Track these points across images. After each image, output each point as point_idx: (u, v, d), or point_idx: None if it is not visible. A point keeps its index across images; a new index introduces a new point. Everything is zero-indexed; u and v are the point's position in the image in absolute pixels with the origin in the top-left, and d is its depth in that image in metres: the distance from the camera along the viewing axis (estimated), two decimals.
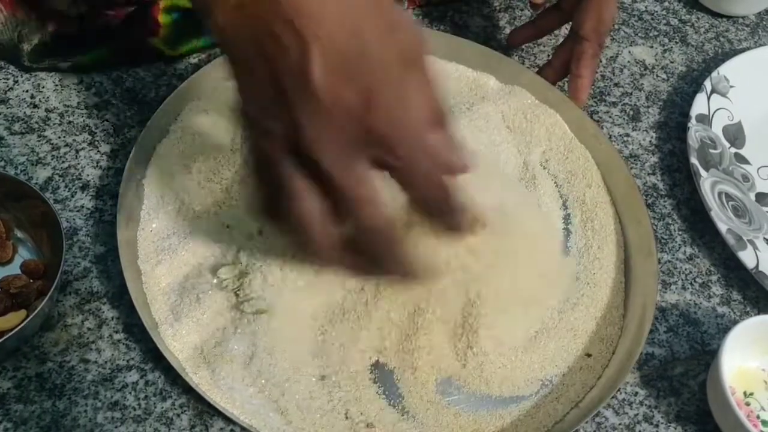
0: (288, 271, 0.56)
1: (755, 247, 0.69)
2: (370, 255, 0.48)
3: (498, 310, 0.59)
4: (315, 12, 0.40)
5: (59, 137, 0.66)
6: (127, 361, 0.56)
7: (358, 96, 0.41)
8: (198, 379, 0.54)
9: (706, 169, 0.73)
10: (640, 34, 0.87)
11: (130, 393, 0.55)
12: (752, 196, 0.74)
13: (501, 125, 0.72)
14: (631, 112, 0.80)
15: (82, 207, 0.62)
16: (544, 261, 0.63)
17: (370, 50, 0.41)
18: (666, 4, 0.91)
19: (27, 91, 0.68)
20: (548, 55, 0.81)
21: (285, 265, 0.56)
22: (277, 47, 0.41)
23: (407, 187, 0.46)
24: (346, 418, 0.55)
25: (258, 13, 0.41)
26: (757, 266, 0.67)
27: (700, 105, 0.77)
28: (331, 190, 0.44)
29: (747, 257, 0.67)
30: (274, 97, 0.42)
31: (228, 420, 0.54)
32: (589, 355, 0.61)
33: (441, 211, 0.48)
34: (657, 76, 0.83)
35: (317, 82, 0.40)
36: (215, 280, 0.57)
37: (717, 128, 0.77)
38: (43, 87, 0.68)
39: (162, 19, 0.69)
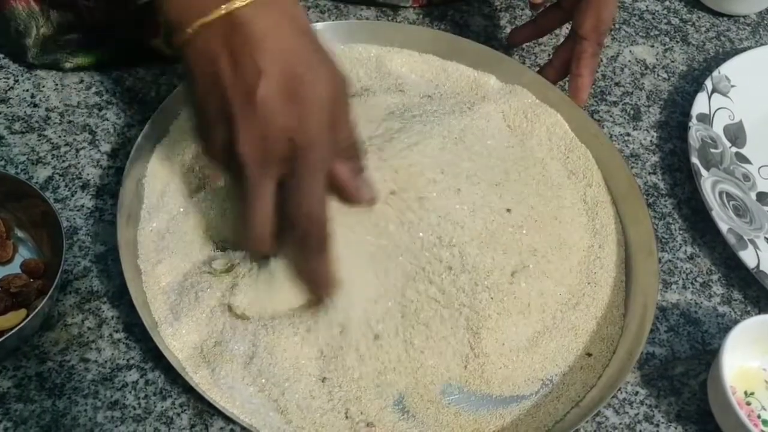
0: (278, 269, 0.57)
1: (756, 247, 0.68)
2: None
3: (500, 312, 0.59)
4: (272, 50, 0.50)
5: (59, 136, 0.66)
6: (127, 360, 0.56)
7: (290, 118, 0.50)
8: (198, 378, 0.54)
9: (707, 169, 0.73)
10: (641, 34, 0.87)
11: (130, 392, 0.54)
12: (753, 195, 0.74)
13: (502, 124, 0.72)
14: (632, 112, 0.79)
15: (83, 206, 0.62)
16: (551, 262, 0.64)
17: (306, 88, 0.50)
18: (667, 3, 0.91)
19: (27, 90, 0.68)
20: (549, 55, 0.80)
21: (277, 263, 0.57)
22: (235, 69, 0.50)
23: (292, 211, 0.52)
24: (346, 417, 0.55)
25: (226, 40, 0.50)
26: (758, 266, 0.67)
27: (701, 104, 0.77)
28: (242, 192, 0.52)
29: (748, 257, 0.67)
30: (221, 107, 0.51)
31: (228, 419, 0.54)
32: (589, 355, 0.61)
33: (307, 243, 0.54)
34: (658, 75, 0.83)
35: (260, 100, 0.49)
36: (208, 270, 0.58)
37: (718, 127, 0.77)
38: (43, 86, 0.68)
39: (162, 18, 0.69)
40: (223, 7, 0.50)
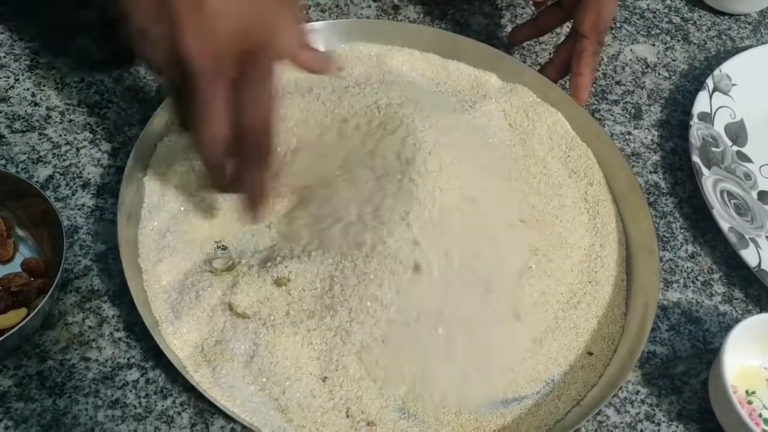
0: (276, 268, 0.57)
1: (757, 246, 0.68)
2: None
3: (505, 314, 0.59)
4: None
5: (60, 135, 0.66)
6: (128, 359, 0.56)
7: (246, 13, 0.47)
8: (199, 377, 0.54)
9: (708, 168, 0.72)
10: (641, 32, 0.87)
11: (130, 391, 0.54)
12: (754, 194, 0.74)
13: (503, 123, 0.72)
14: (633, 111, 0.79)
15: (83, 205, 0.62)
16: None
17: None
18: (668, 2, 0.91)
19: (28, 89, 0.68)
20: (550, 53, 0.80)
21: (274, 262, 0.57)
22: None
23: (238, 113, 0.50)
24: (347, 416, 0.55)
25: None
26: (759, 264, 0.67)
27: (702, 103, 0.77)
28: (192, 97, 0.49)
29: (749, 255, 0.67)
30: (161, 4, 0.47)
31: (229, 418, 0.54)
32: (590, 354, 0.61)
33: (248, 153, 0.52)
34: (659, 74, 0.83)
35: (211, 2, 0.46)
36: (208, 269, 0.58)
37: (719, 126, 0.77)
38: (44, 85, 0.68)
39: None
40: None
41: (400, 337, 0.56)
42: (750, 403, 0.60)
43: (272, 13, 0.49)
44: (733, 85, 0.80)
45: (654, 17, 0.89)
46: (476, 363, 0.57)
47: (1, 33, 0.71)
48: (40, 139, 0.65)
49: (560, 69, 0.75)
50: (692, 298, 0.67)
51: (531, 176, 0.68)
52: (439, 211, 0.58)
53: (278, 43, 0.50)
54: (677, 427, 0.60)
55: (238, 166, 0.54)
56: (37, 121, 0.66)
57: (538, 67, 0.77)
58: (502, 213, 0.62)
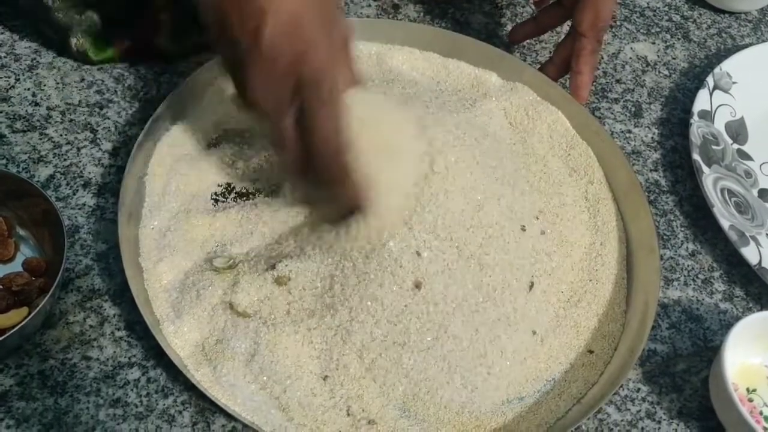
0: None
1: (758, 243, 0.68)
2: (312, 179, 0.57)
3: (509, 316, 0.59)
4: None
5: (61, 135, 0.66)
6: (129, 358, 0.56)
7: (294, 52, 0.51)
8: (200, 376, 0.54)
9: (709, 166, 0.72)
10: (642, 31, 0.87)
11: (131, 390, 0.55)
12: (755, 192, 0.74)
13: (504, 122, 0.72)
14: (633, 109, 0.79)
15: (84, 205, 0.62)
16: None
17: (309, 28, 0.52)
18: (668, 0, 0.90)
19: (28, 89, 0.68)
20: (550, 52, 0.80)
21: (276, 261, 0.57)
22: (240, 13, 0.51)
23: (310, 142, 0.53)
24: (348, 414, 0.55)
25: None
26: (759, 262, 0.67)
27: (702, 101, 0.77)
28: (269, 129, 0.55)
29: (749, 253, 0.67)
30: (233, 53, 0.53)
31: (230, 417, 0.54)
32: (591, 352, 0.61)
33: (331, 175, 0.54)
34: (659, 72, 0.83)
35: (265, 40, 0.51)
36: (209, 268, 0.58)
37: (719, 124, 0.77)
38: (44, 85, 0.68)
39: (162, 16, 0.69)
40: None
41: (401, 338, 0.56)
42: (751, 400, 0.60)
43: (321, 39, 0.53)
44: (734, 83, 0.80)
45: (654, 15, 0.89)
46: (478, 367, 0.57)
47: (2, 33, 0.71)
48: (40, 139, 0.65)
49: (560, 68, 0.75)
50: (693, 296, 0.67)
51: (531, 175, 0.68)
52: (444, 214, 0.58)
53: (331, 71, 0.53)
54: (678, 425, 0.60)
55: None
56: (38, 120, 0.66)
57: (539, 66, 0.77)
58: (509, 217, 0.62)
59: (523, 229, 0.62)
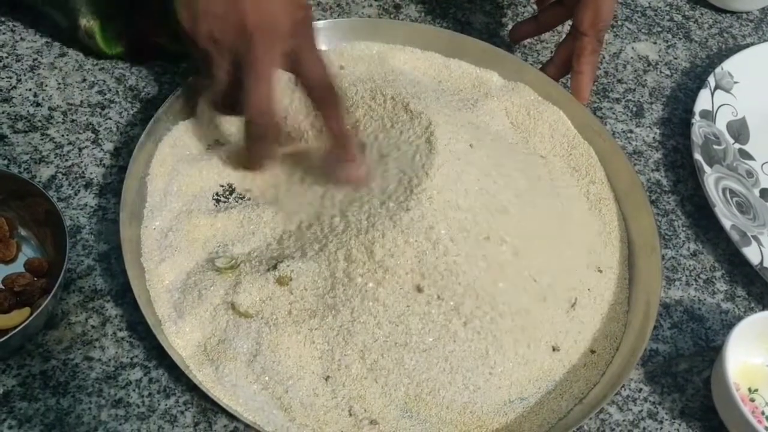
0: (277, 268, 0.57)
1: (760, 243, 0.68)
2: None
3: (513, 319, 0.59)
4: None
5: (62, 135, 0.66)
6: (131, 358, 0.56)
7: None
8: (202, 376, 0.54)
9: (710, 165, 0.72)
10: (643, 30, 0.87)
11: (133, 390, 0.55)
12: (756, 192, 0.74)
13: (505, 121, 0.72)
14: (635, 109, 0.79)
15: (86, 205, 0.62)
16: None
17: None
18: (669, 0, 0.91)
19: (30, 89, 0.68)
20: (551, 52, 0.80)
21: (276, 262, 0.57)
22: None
23: (307, 75, 0.58)
24: (350, 414, 0.55)
25: None
26: (761, 262, 0.67)
27: (703, 101, 0.77)
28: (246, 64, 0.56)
29: (751, 253, 0.67)
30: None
31: (232, 417, 0.54)
32: (593, 352, 0.61)
33: (252, 131, 0.58)
34: (660, 72, 0.83)
35: None
36: (211, 268, 0.58)
37: (721, 124, 0.77)
38: (46, 85, 0.68)
39: (165, 15, 0.69)
40: None
41: (403, 339, 0.56)
42: (753, 400, 0.60)
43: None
44: (735, 82, 0.80)
45: (655, 15, 0.89)
46: (481, 367, 0.57)
47: (3, 33, 0.71)
48: (42, 139, 0.65)
49: (561, 68, 0.75)
50: (694, 296, 0.67)
51: (534, 175, 0.68)
52: (448, 215, 0.58)
53: (275, 34, 0.56)
54: (680, 425, 0.60)
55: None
56: (40, 121, 0.66)
57: (540, 66, 0.77)
58: (512, 216, 0.62)
59: (527, 228, 0.62)
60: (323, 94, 0.60)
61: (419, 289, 0.56)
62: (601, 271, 0.65)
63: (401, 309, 0.56)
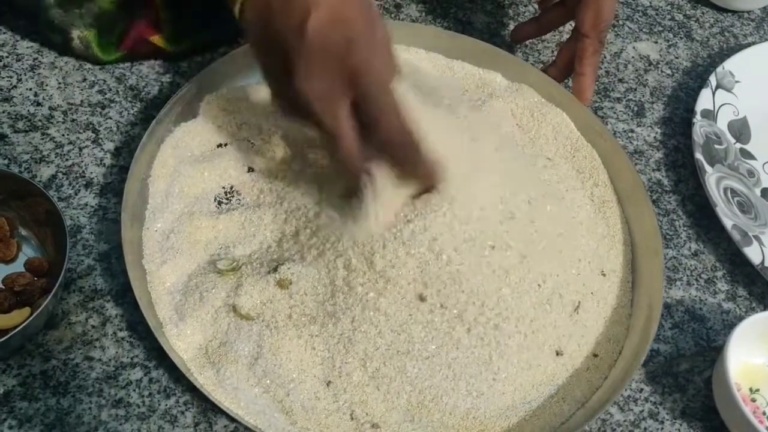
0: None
1: (761, 243, 0.68)
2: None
3: (517, 324, 0.59)
4: None
5: (63, 135, 0.66)
6: (131, 358, 0.56)
7: (341, 41, 0.52)
8: (203, 379, 0.54)
9: (711, 165, 0.72)
10: (644, 30, 0.87)
11: (134, 390, 0.54)
12: (758, 191, 0.74)
13: (512, 122, 0.72)
14: (636, 108, 0.79)
15: (86, 205, 0.62)
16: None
17: (353, 21, 0.52)
18: None
19: (30, 89, 0.68)
20: (552, 52, 0.80)
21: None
22: (285, 9, 0.52)
23: (375, 129, 0.54)
24: (352, 418, 0.55)
25: None
26: (762, 262, 0.67)
27: (704, 100, 0.77)
28: (312, 124, 0.55)
29: (753, 253, 0.67)
30: (278, 52, 0.53)
31: (232, 418, 0.53)
32: (596, 356, 0.61)
33: (406, 155, 0.55)
34: (661, 71, 0.83)
35: (311, 31, 0.51)
36: (214, 271, 0.58)
37: (722, 123, 0.77)
38: (46, 85, 0.68)
39: (163, 15, 0.69)
40: None
41: (405, 347, 0.56)
42: (754, 400, 0.60)
43: (365, 31, 0.53)
44: (736, 82, 0.80)
45: (656, 14, 0.89)
46: (484, 372, 0.57)
47: (4, 33, 0.71)
48: (42, 139, 0.65)
49: (563, 70, 0.75)
50: (696, 296, 0.67)
51: (543, 180, 0.67)
52: (455, 237, 0.57)
53: (382, 62, 0.54)
54: (681, 425, 0.60)
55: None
56: (40, 120, 0.66)
57: (541, 66, 0.77)
58: (518, 221, 0.62)
59: (533, 233, 0.62)
60: (402, 151, 0.55)
61: (422, 299, 0.56)
62: (604, 275, 0.64)
63: (403, 318, 0.56)
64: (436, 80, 0.73)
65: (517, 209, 0.60)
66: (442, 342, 0.56)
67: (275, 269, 0.57)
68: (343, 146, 0.54)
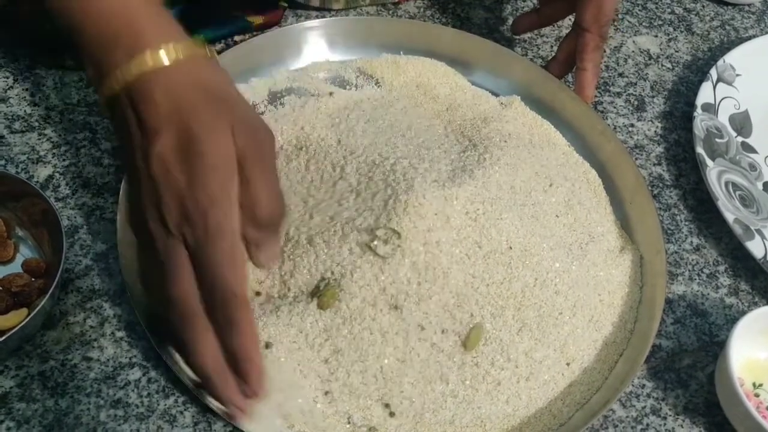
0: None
1: (763, 237, 0.68)
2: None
3: (521, 329, 0.58)
4: (168, 110, 0.49)
5: (60, 135, 0.65)
6: (130, 358, 0.55)
7: (180, 180, 0.48)
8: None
9: (713, 159, 0.72)
10: (644, 24, 0.86)
11: (132, 390, 0.54)
12: (759, 185, 0.74)
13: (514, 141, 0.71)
14: (636, 103, 0.79)
15: (83, 205, 0.62)
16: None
17: (201, 146, 0.48)
18: None
19: (27, 89, 0.68)
20: (551, 47, 0.80)
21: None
22: (130, 131, 0.50)
23: (202, 281, 0.49)
24: (349, 422, 0.54)
25: (133, 104, 0.50)
26: (765, 256, 0.67)
27: (705, 94, 0.76)
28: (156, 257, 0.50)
29: (755, 247, 0.67)
30: (131, 168, 0.50)
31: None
32: (598, 360, 0.60)
33: (219, 317, 0.49)
34: (662, 65, 0.83)
35: (154, 160, 0.49)
36: None
37: (723, 117, 0.76)
38: (43, 85, 0.68)
39: None
40: (132, 70, 0.50)
41: (402, 358, 0.56)
42: (757, 395, 0.60)
43: (214, 177, 0.49)
44: (737, 75, 0.79)
45: (656, 8, 0.88)
46: (487, 377, 0.57)
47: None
48: (39, 139, 0.65)
49: (564, 65, 0.74)
50: (698, 291, 0.67)
51: (546, 182, 0.67)
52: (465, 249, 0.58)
53: (222, 212, 0.49)
54: (683, 420, 0.59)
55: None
56: (37, 121, 0.66)
57: (541, 60, 0.77)
58: (529, 230, 0.61)
59: (543, 241, 0.61)
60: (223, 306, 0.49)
61: (422, 327, 0.56)
62: (613, 279, 0.64)
63: (402, 341, 0.56)
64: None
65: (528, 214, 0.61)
66: (446, 359, 0.56)
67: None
68: (170, 288, 0.49)
